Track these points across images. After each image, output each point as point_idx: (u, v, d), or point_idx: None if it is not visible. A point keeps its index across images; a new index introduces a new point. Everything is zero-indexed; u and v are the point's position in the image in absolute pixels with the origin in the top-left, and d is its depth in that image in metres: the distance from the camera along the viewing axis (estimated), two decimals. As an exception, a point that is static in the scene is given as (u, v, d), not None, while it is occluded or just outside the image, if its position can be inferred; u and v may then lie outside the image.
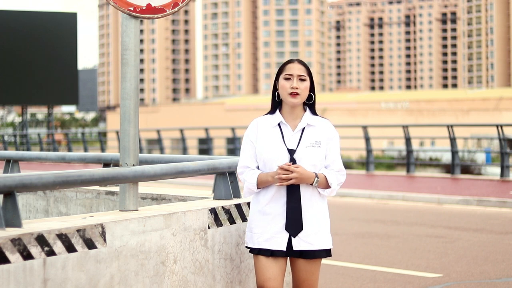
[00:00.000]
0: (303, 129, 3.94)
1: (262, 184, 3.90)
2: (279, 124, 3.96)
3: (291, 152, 3.89)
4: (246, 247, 4.03)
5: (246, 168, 3.97)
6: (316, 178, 3.83)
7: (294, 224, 3.87)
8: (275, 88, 4.00)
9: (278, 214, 3.89)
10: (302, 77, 3.91)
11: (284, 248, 3.88)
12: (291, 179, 3.79)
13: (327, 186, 3.90)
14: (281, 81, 3.94)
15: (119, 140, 4.34)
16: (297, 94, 3.89)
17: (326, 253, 3.94)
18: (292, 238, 3.87)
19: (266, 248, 3.90)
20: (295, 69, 3.92)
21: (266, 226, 3.91)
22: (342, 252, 8.76)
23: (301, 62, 3.95)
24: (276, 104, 4.01)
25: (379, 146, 38.71)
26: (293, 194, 3.87)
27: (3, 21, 33.97)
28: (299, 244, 3.87)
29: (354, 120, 60.91)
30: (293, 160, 3.87)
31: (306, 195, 3.88)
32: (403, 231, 10.62)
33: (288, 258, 3.97)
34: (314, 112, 4.00)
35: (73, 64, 35.75)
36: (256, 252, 3.94)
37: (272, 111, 4.01)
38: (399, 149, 30.00)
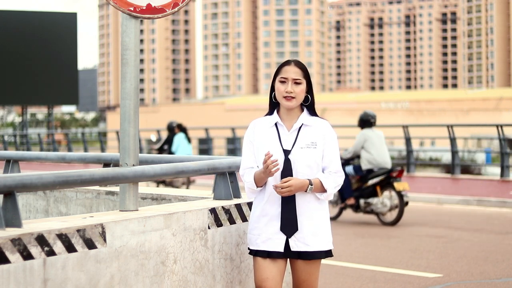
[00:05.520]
0: (299, 129, 3.92)
1: (259, 181, 3.89)
2: (276, 125, 3.95)
3: (286, 152, 3.89)
4: (248, 248, 4.04)
5: (249, 169, 3.97)
6: (309, 186, 3.83)
7: (289, 224, 3.87)
8: (272, 89, 3.99)
9: (274, 216, 3.89)
10: (298, 81, 3.88)
11: (281, 249, 3.88)
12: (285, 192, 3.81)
13: (323, 190, 3.89)
14: (277, 83, 3.93)
15: (119, 140, 4.34)
16: (292, 97, 3.89)
17: (326, 254, 3.94)
18: (289, 239, 3.87)
19: (263, 249, 3.90)
20: (291, 73, 3.89)
21: (263, 228, 3.92)
22: (342, 252, 8.76)
23: (298, 64, 3.91)
24: (274, 104, 4.00)
25: (379, 146, 38.54)
26: (288, 196, 3.86)
27: (3, 21, 33.95)
28: (296, 245, 3.87)
29: (354, 120, 60.78)
30: (288, 161, 3.87)
31: (302, 196, 3.88)
32: (403, 231, 10.62)
33: (288, 258, 3.97)
34: (312, 113, 3.98)
35: (73, 64, 35.72)
36: (254, 253, 3.95)
37: (270, 112, 4.00)
38: (399, 149, 29.95)
